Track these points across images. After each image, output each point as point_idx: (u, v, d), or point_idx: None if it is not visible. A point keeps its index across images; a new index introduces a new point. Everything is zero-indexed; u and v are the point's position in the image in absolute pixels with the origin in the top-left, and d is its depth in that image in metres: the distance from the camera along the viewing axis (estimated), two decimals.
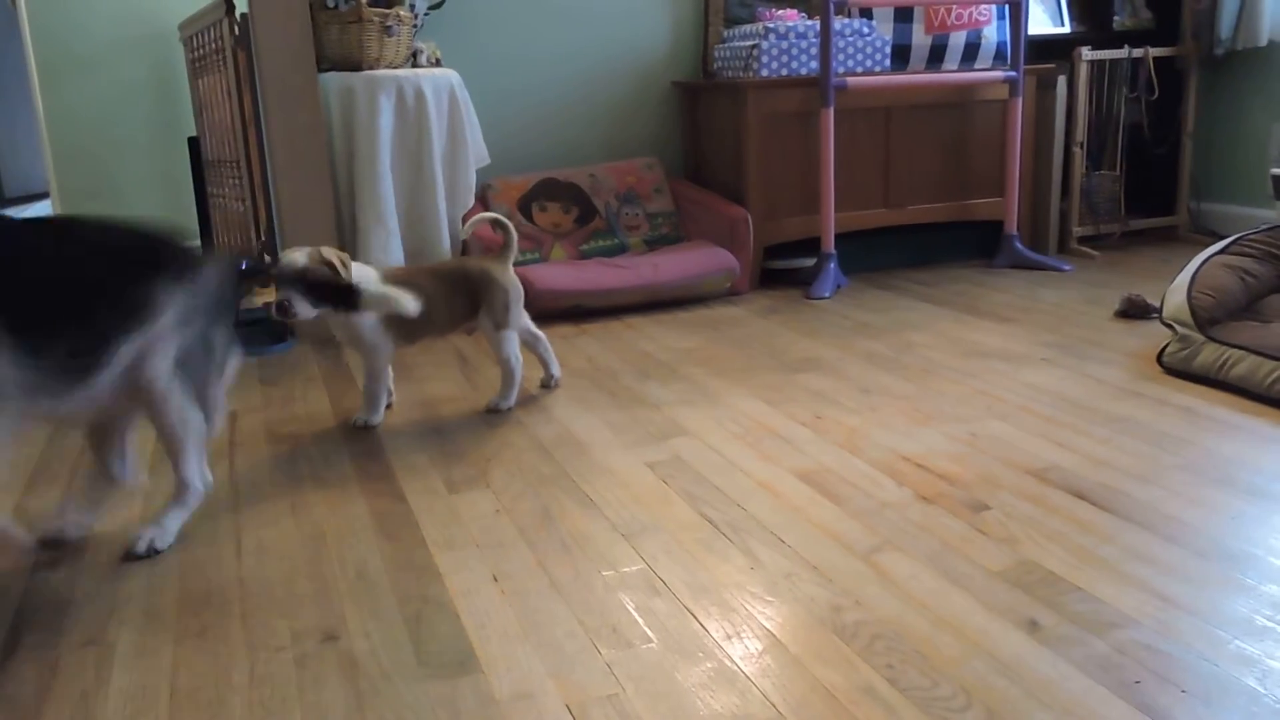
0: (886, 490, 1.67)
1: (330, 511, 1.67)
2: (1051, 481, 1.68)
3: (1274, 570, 1.37)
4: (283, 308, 1.84)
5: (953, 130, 3.37)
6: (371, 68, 2.89)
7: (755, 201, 3.17)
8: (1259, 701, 1.09)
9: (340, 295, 1.88)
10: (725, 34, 3.43)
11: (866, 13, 3.34)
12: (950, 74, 3.27)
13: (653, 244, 3.25)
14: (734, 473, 1.76)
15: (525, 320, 2.18)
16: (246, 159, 2.96)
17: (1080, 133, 3.47)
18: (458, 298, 2.08)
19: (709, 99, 3.37)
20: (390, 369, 2.13)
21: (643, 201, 3.31)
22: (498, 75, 3.40)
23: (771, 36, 3.17)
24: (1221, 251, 2.42)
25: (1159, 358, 2.26)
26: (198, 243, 3.42)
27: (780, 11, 3.35)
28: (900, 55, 3.37)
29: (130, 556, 1.51)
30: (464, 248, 3.09)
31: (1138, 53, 3.49)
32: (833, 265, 3.13)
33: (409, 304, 1.90)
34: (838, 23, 3.17)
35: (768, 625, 1.28)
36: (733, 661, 1.20)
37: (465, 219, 3.08)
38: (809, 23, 3.23)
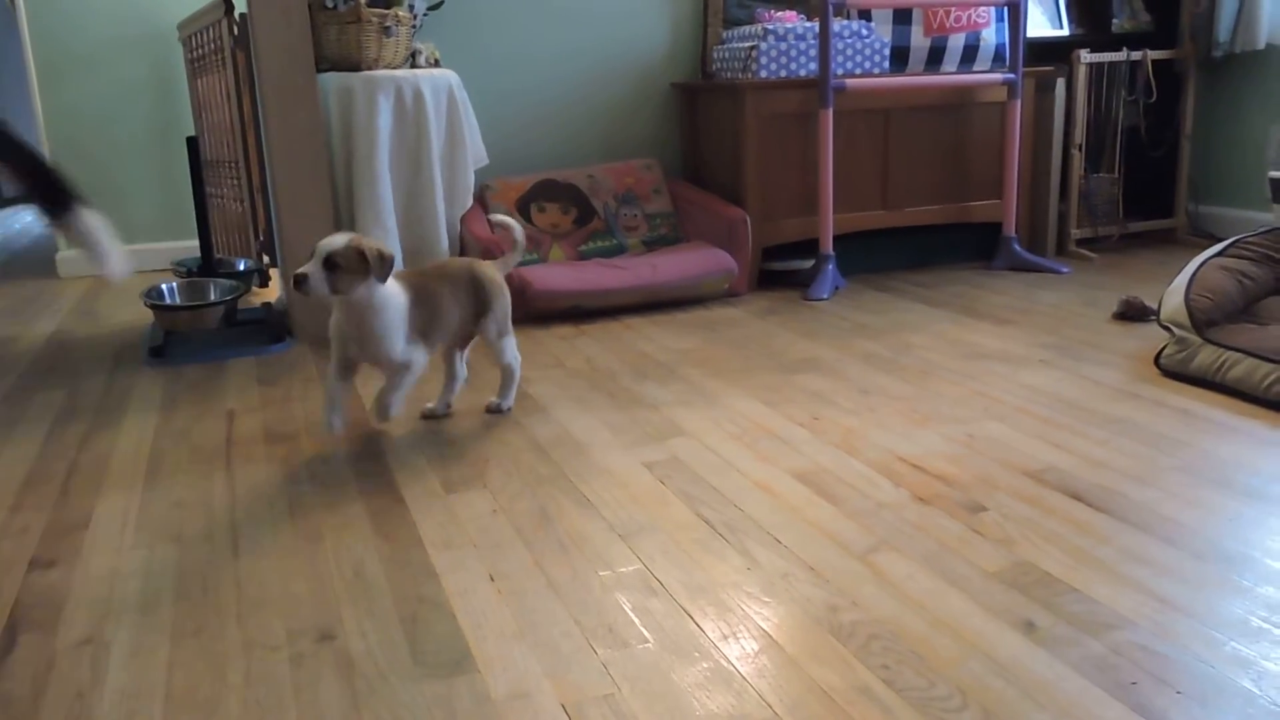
0: (883, 491, 1.67)
1: (327, 511, 1.67)
2: (1049, 483, 1.68)
3: (1270, 572, 1.37)
4: (299, 280, 1.77)
5: (951, 132, 3.37)
6: (370, 68, 2.89)
7: (754, 203, 3.17)
8: (1254, 703, 1.09)
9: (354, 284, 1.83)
10: (724, 35, 3.43)
11: (865, 14, 3.34)
12: (949, 76, 3.28)
13: (651, 245, 3.25)
14: (731, 473, 1.76)
15: None
16: (245, 159, 2.96)
17: (1079, 135, 3.47)
18: (469, 302, 2.04)
19: (708, 100, 3.37)
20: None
21: (641, 202, 3.31)
22: (496, 76, 3.40)
23: (770, 38, 3.17)
24: (1219, 254, 2.42)
25: (1156, 360, 2.26)
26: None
27: (779, 13, 3.35)
28: (899, 57, 3.38)
29: None
30: (461, 248, 3.09)
31: (1136, 55, 3.49)
32: (831, 266, 3.13)
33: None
34: (837, 24, 3.17)
35: (764, 625, 1.28)
36: (729, 661, 1.20)
37: (464, 220, 3.08)
38: (808, 24, 3.24)
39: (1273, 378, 1.99)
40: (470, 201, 3.11)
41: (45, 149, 3.75)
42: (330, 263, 1.78)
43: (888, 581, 1.37)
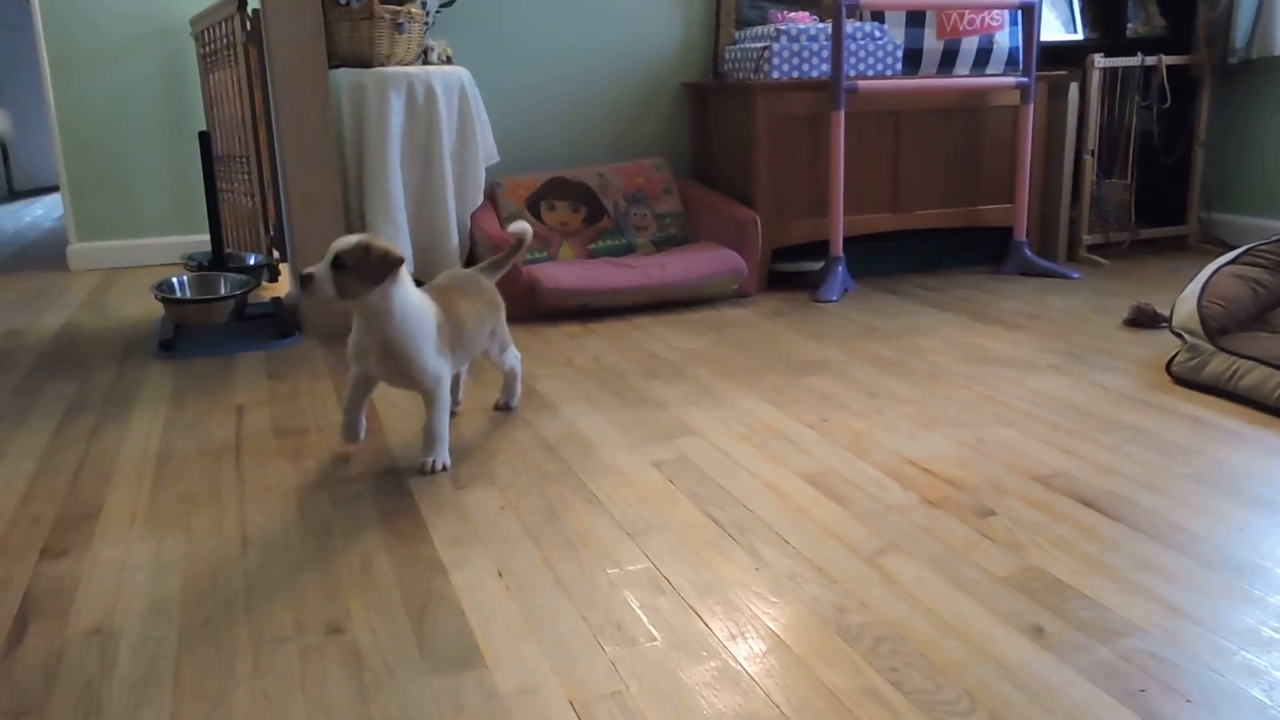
0: (892, 494, 1.66)
1: (336, 505, 1.67)
2: (1058, 488, 1.67)
3: None
4: (305, 280, 1.65)
5: (963, 136, 3.36)
6: (382, 64, 2.90)
7: (764, 204, 3.16)
8: (1265, 713, 1.09)
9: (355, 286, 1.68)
10: (736, 35, 3.43)
11: (878, 16, 3.34)
12: (961, 79, 3.27)
13: (661, 244, 3.25)
14: (740, 473, 1.76)
15: None
16: (256, 154, 2.97)
17: (1091, 140, 3.46)
18: (489, 315, 1.96)
19: (719, 100, 3.37)
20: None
21: (651, 202, 3.31)
22: (508, 73, 3.40)
23: (783, 39, 3.17)
24: (1232, 261, 2.41)
25: (1168, 367, 2.25)
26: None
27: (792, 14, 3.35)
28: (912, 59, 3.37)
29: None
30: (471, 246, 3.10)
31: (1150, 60, 3.48)
32: (841, 269, 3.12)
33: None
34: (849, 26, 3.17)
35: (772, 626, 1.28)
36: (736, 661, 1.20)
37: (474, 217, 3.08)
38: (820, 25, 3.23)
39: None
40: (481, 199, 3.12)
41: (59, 143, 3.76)
42: (338, 263, 1.65)
43: (896, 584, 1.37)
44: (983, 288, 3.18)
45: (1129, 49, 3.52)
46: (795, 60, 3.18)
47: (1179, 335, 2.24)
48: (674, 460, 1.83)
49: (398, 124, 2.88)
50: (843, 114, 3.03)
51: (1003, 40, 3.42)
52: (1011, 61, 3.45)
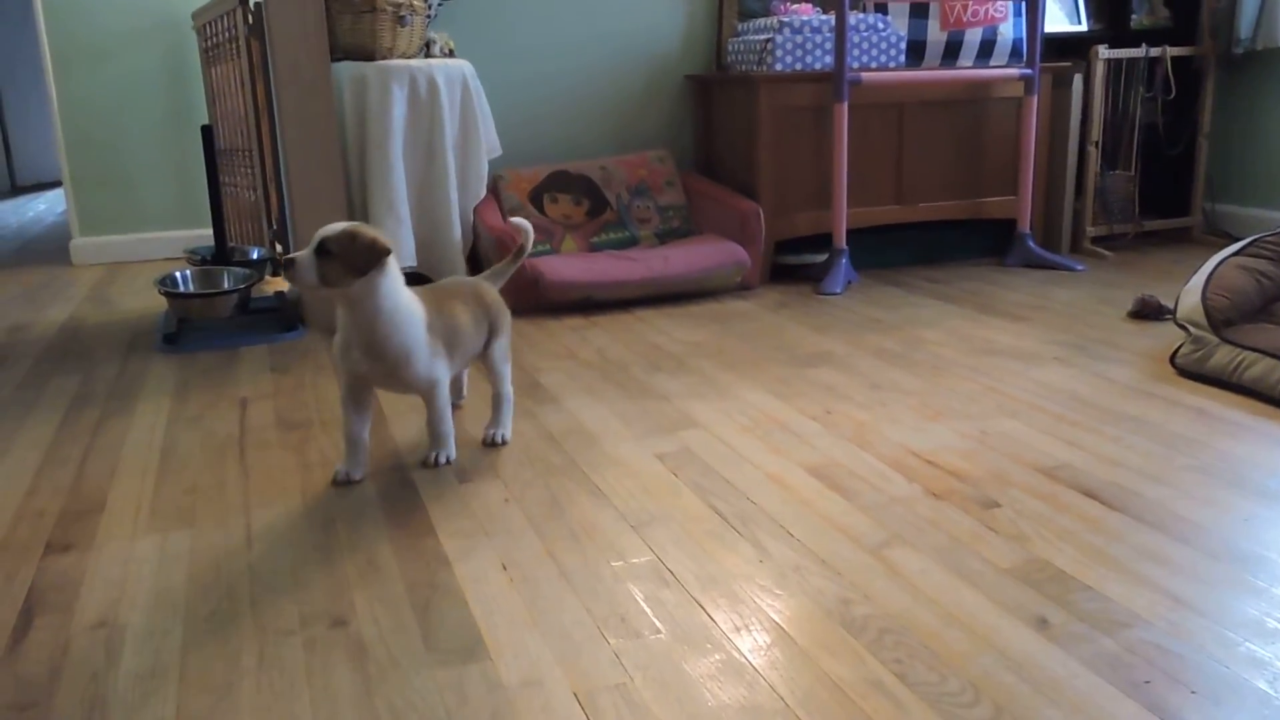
0: (896, 485, 1.66)
1: (339, 497, 1.67)
2: (1062, 480, 1.67)
3: None
4: (288, 265, 1.57)
5: (967, 127, 3.35)
6: (385, 57, 2.89)
7: (767, 196, 3.16)
8: (1270, 704, 1.09)
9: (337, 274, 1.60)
10: (739, 27, 3.42)
11: (882, 7, 3.33)
12: (965, 70, 3.26)
13: (664, 237, 3.25)
14: (743, 465, 1.76)
15: None
16: (259, 148, 2.96)
17: (1096, 132, 3.45)
18: (485, 322, 1.88)
19: (722, 92, 3.36)
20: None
21: (654, 194, 3.31)
22: (510, 66, 3.40)
23: (786, 30, 3.16)
24: (1237, 253, 2.40)
25: (1172, 359, 2.24)
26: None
27: (795, 5, 3.34)
28: (915, 51, 3.36)
29: None
30: (474, 241, 3.09)
31: (1155, 52, 3.47)
32: (844, 261, 3.12)
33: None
34: (853, 17, 3.16)
35: (776, 618, 1.28)
36: (741, 653, 1.20)
37: (477, 210, 3.08)
38: (824, 17, 3.22)
39: None
40: (483, 192, 3.11)
41: (61, 138, 3.76)
42: (323, 249, 1.57)
43: (900, 576, 1.37)
44: (986, 280, 3.17)
45: (1133, 40, 3.51)
46: (798, 52, 3.18)
47: (1183, 327, 2.24)
48: (677, 452, 1.83)
49: (400, 117, 2.87)
50: (846, 106, 3.02)
51: (1007, 32, 3.41)
52: (1015, 53, 3.44)
